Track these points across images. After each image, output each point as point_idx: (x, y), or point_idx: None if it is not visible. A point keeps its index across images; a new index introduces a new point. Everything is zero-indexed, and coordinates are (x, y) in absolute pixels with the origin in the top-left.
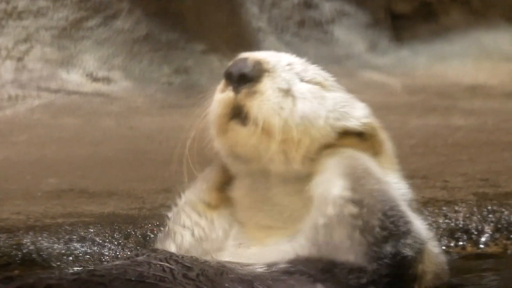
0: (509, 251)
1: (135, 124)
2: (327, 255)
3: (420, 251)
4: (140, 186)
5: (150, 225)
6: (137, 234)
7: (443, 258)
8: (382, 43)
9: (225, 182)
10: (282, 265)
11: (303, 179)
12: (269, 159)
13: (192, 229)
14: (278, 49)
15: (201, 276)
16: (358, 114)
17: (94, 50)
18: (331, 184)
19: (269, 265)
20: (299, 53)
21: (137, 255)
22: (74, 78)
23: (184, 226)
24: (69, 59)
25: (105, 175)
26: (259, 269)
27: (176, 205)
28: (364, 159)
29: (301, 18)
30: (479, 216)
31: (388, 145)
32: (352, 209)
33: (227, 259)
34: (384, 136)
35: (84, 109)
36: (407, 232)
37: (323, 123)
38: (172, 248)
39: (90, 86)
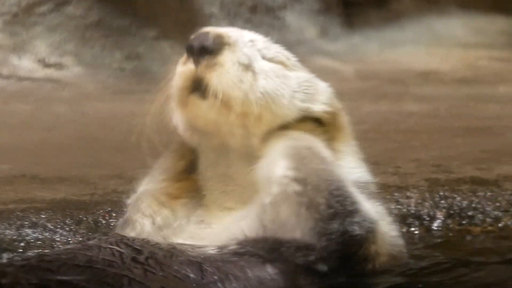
0: (461, 237)
1: (87, 110)
2: (274, 235)
3: (370, 231)
4: (92, 172)
5: (102, 211)
6: (89, 220)
7: (400, 241)
8: (333, 29)
9: (185, 170)
10: (232, 247)
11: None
12: (229, 132)
13: (152, 217)
14: None
15: (150, 259)
16: (322, 97)
17: (46, 36)
18: (274, 164)
19: (220, 247)
20: None
21: (88, 239)
22: (25, 64)
23: (144, 215)
24: (21, 45)
25: (57, 161)
26: (211, 251)
27: (135, 192)
28: (311, 141)
29: (253, 4)
30: (431, 202)
31: (348, 129)
32: (296, 187)
33: (183, 240)
34: (344, 119)
35: (36, 95)
36: (354, 211)
37: (287, 102)
38: (131, 235)
39: (42, 72)
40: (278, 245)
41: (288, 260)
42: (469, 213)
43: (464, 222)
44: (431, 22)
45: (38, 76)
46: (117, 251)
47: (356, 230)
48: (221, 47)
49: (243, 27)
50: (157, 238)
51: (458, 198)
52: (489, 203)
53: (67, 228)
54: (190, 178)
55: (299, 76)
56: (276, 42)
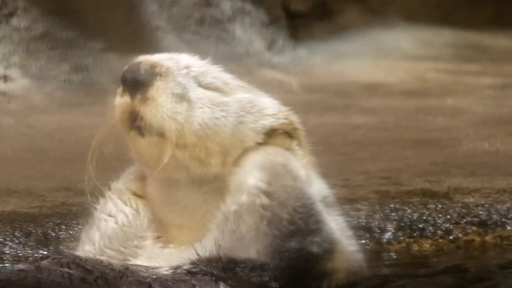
0: (411, 250)
1: (33, 122)
2: (229, 253)
3: (329, 250)
4: (40, 184)
5: (51, 223)
6: (38, 233)
7: (359, 256)
8: (279, 41)
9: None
10: (186, 267)
11: (211, 180)
12: (176, 166)
13: (116, 216)
14: (177, 48)
15: (99, 279)
16: (271, 111)
17: None
18: (248, 174)
19: (175, 268)
20: (199, 52)
21: (41, 258)
22: None
23: (109, 214)
24: None
25: (5, 174)
26: (164, 272)
27: (103, 195)
28: (286, 157)
29: (201, 16)
30: (381, 214)
31: (303, 139)
32: (264, 200)
33: (141, 261)
34: (299, 130)
35: None
36: (317, 230)
37: (231, 130)
38: (96, 235)
39: None
40: (232, 264)
41: (242, 278)
42: (420, 226)
43: (415, 234)
44: (377, 34)
45: None
46: (67, 272)
47: (314, 248)
48: (152, 79)
49: (191, 39)
50: (120, 237)
51: (409, 211)
52: (440, 215)
53: (16, 241)
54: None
55: (240, 99)
56: (225, 54)
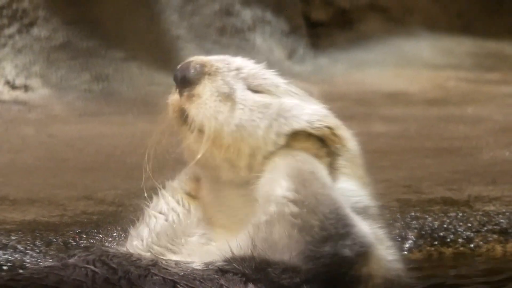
0: (432, 258)
1: (54, 131)
2: (263, 254)
3: (362, 253)
4: (61, 193)
5: (71, 232)
6: (59, 241)
7: (398, 265)
8: (300, 50)
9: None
10: (218, 264)
11: (251, 183)
12: (215, 165)
13: (167, 214)
14: None
15: (122, 280)
16: (307, 116)
17: (12, 57)
18: (275, 184)
19: (207, 264)
20: None
21: (69, 256)
22: None
23: (160, 211)
24: None
25: (26, 183)
26: (196, 267)
27: (157, 194)
28: (313, 163)
29: (222, 26)
30: (402, 223)
31: (349, 147)
32: (293, 209)
33: (180, 257)
34: (344, 138)
35: (3, 117)
36: (346, 234)
37: (263, 133)
38: (144, 232)
39: (8, 94)
40: (265, 265)
41: (273, 280)
42: (441, 234)
43: (435, 242)
44: (398, 43)
45: (5, 98)
46: (92, 271)
47: (347, 252)
48: (200, 77)
49: (211, 48)
50: (169, 234)
51: (430, 219)
52: (461, 223)
53: (37, 250)
54: None
55: (282, 103)
56: None
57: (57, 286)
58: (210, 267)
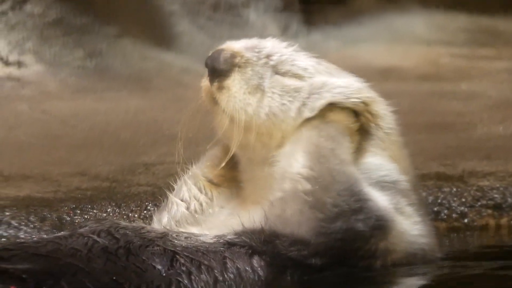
0: None
1: (48, 108)
2: (273, 227)
3: (378, 227)
4: (55, 170)
5: (65, 208)
6: (53, 217)
7: (423, 240)
8: (293, 26)
9: (229, 160)
10: (229, 237)
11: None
12: (246, 147)
13: (189, 202)
14: (191, 33)
15: (121, 249)
16: (341, 89)
17: (6, 34)
18: (293, 159)
19: (219, 237)
20: (213, 37)
21: (80, 226)
22: None
23: (181, 199)
24: None
25: (20, 159)
26: (208, 240)
27: (180, 178)
28: (337, 138)
29: (215, 2)
30: None
31: (383, 124)
32: (306, 186)
33: (200, 230)
34: (378, 114)
35: None
36: (360, 209)
37: (295, 114)
38: (164, 218)
39: (1, 71)
40: (273, 237)
41: (280, 253)
42: (435, 209)
43: (429, 217)
44: (391, 19)
45: None
46: (93, 240)
47: (361, 226)
48: (230, 69)
49: (205, 25)
50: (189, 222)
51: (424, 194)
52: (455, 198)
53: (31, 225)
54: (233, 168)
55: (313, 82)
56: (238, 39)
57: (48, 255)
58: (220, 240)
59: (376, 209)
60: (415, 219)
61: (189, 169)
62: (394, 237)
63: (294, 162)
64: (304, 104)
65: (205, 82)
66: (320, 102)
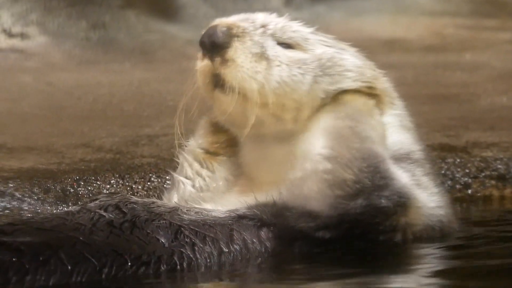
0: None
1: (52, 80)
2: (286, 200)
3: (401, 204)
4: (59, 141)
5: (69, 179)
6: (57, 189)
7: (441, 211)
8: None
9: (219, 124)
10: (241, 211)
11: (296, 137)
12: (258, 122)
13: (193, 179)
14: (195, 5)
15: (126, 223)
16: (350, 73)
17: (9, 6)
18: (313, 141)
19: (231, 211)
20: (217, 9)
21: (91, 201)
22: None
23: (186, 177)
24: None
25: (24, 131)
26: (220, 215)
27: (181, 154)
28: (356, 118)
29: None
30: None
31: (391, 96)
32: (326, 165)
33: (213, 205)
34: (384, 88)
35: (1, 65)
36: (384, 186)
37: (308, 88)
38: (174, 198)
39: (5, 42)
40: (284, 210)
41: (290, 225)
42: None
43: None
44: None
45: (2, 47)
46: (99, 215)
47: (383, 203)
48: (229, 40)
49: None
50: (197, 200)
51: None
52: (459, 169)
53: (35, 197)
54: (225, 132)
55: (320, 56)
56: (243, 11)
57: (51, 229)
58: (232, 214)
59: (400, 186)
60: (432, 190)
61: (186, 144)
62: (414, 212)
63: (315, 143)
64: (316, 82)
65: (202, 63)
66: (334, 87)
